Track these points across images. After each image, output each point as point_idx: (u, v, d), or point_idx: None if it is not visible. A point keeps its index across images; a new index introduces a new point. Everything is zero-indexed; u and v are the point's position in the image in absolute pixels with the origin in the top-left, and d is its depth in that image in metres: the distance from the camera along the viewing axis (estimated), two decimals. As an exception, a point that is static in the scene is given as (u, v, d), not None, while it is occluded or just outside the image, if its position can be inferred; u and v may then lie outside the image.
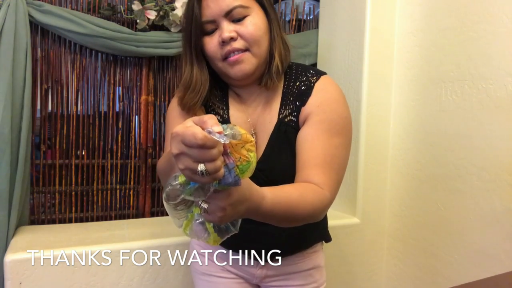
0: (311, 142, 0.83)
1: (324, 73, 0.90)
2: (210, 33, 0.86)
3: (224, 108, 0.95)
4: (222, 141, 0.51)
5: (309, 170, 0.81)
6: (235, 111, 0.95)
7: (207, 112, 0.95)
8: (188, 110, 0.90)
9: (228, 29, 0.83)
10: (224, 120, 0.94)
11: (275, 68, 0.87)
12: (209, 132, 0.50)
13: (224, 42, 0.84)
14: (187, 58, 0.90)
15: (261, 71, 0.89)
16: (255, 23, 0.84)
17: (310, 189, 0.78)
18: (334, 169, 0.82)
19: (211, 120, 0.52)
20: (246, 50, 0.84)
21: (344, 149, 0.85)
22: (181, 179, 0.55)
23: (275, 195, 0.69)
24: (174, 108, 0.94)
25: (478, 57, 1.30)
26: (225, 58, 0.85)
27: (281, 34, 0.90)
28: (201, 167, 0.50)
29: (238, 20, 0.84)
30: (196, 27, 0.85)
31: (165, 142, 0.97)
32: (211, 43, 0.86)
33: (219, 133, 0.51)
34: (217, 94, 0.96)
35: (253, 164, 0.57)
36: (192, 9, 0.85)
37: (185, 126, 0.51)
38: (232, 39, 0.83)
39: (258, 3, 0.87)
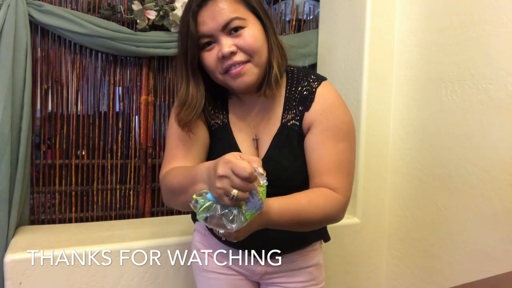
0: (319, 151, 0.87)
1: (325, 79, 0.92)
2: (208, 46, 0.85)
3: (224, 112, 0.96)
4: (262, 182, 0.65)
5: (321, 178, 0.86)
6: (235, 115, 0.95)
7: (207, 118, 0.95)
8: (184, 126, 0.89)
9: (227, 44, 0.82)
10: (224, 124, 0.95)
11: (274, 77, 0.87)
12: (254, 170, 0.63)
13: (224, 58, 0.83)
14: (183, 74, 0.89)
15: (262, 80, 0.89)
16: (252, 34, 0.84)
17: (322, 194, 0.83)
18: (344, 172, 0.86)
19: (258, 162, 0.65)
20: (247, 61, 0.84)
21: (350, 152, 0.89)
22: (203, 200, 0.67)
23: (282, 205, 0.77)
24: (173, 124, 0.92)
25: (478, 57, 1.30)
26: (226, 71, 0.84)
27: (277, 42, 0.90)
28: (234, 192, 0.62)
29: (235, 31, 0.83)
30: (193, 43, 0.84)
31: (167, 152, 0.94)
32: (210, 58, 0.85)
33: (262, 174, 0.64)
34: (217, 98, 0.96)
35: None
36: (188, 25, 0.83)
37: (238, 157, 0.63)
38: (232, 53, 0.82)
39: (253, 14, 0.86)
